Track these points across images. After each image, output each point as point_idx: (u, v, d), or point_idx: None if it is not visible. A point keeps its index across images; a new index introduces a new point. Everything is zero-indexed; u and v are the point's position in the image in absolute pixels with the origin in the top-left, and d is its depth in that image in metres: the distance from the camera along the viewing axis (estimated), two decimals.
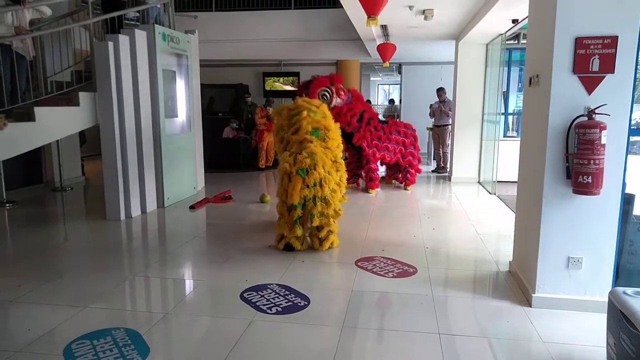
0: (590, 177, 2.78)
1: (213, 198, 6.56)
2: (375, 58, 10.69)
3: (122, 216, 5.53)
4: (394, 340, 2.70)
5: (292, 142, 4.31)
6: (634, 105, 2.86)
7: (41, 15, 5.66)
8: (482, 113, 8.01)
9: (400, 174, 7.69)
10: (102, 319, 2.93)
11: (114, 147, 5.41)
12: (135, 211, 5.69)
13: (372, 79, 20.02)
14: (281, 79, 12.22)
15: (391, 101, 15.59)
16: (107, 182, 5.49)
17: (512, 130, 9.38)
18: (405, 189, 7.54)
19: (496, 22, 6.34)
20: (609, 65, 2.82)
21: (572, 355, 2.55)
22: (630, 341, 1.99)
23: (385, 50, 8.53)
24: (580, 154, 2.80)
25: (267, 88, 12.09)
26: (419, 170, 7.76)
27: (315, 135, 4.28)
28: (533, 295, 3.09)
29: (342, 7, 6.81)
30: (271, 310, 3.04)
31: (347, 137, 6.66)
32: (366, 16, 5.01)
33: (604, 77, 2.85)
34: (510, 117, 9.28)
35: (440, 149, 9.37)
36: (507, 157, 6.85)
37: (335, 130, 4.46)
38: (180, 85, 6.76)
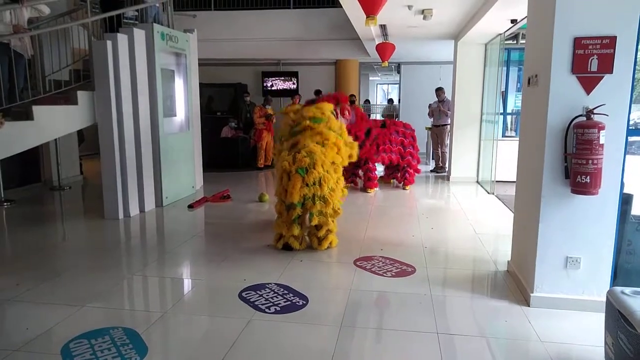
0: (588, 177, 2.78)
1: (211, 197, 6.56)
2: (374, 58, 10.70)
3: (121, 215, 5.52)
4: (393, 340, 2.70)
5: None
6: (633, 105, 2.87)
7: (39, 14, 5.65)
8: (480, 113, 8.02)
9: (399, 173, 7.70)
10: (100, 318, 2.93)
11: (112, 146, 5.40)
12: (134, 210, 5.68)
13: (371, 78, 20.04)
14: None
15: (390, 101, 15.60)
16: (106, 181, 5.48)
17: (511, 130, 9.39)
18: (404, 188, 7.54)
19: (495, 22, 6.34)
20: (607, 65, 2.82)
21: (570, 354, 2.56)
22: (629, 340, 1.99)
23: (384, 49, 8.53)
24: (579, 154, 2.80)
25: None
26: (417, 171, 7.75)
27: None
28: (531, 294, 3.10)
29: (341, 6, 6.81)
30: (270, 310, 3.03)
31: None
32: (365, 16, 5.01)
33: (603, 77, 2.85)
34: (508, 117, 9.29)
35: (439, 149, 9.37)
36: (506, 157, 6.86)
37: (336, 140, 4.48)
38: (178, 84, 6.75)
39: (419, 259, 4.06)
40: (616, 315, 2.11)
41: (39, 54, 5.87)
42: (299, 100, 10.15)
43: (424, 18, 6.61)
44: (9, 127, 4.64)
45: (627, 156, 2.91)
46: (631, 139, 2.99)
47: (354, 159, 4.79)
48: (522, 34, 7.66)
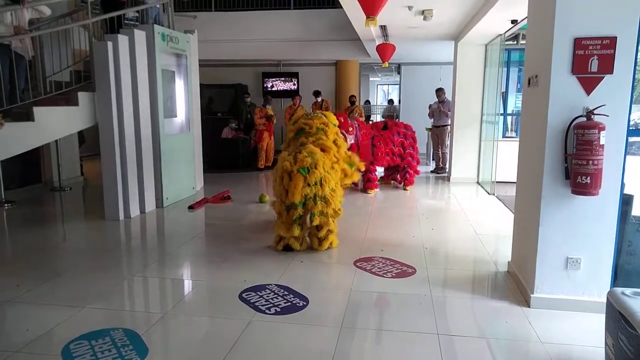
0: (589, 178, 2.78)
1: (212, 198, 6.56)
2: (374, 58, 10.70)
3: (121, 216, 5.53)
4: (393, 341, 2.70)
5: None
6: (633, 105, 2.86)
7: (40, 15, 5.65)
8: (481, 113, 8.01)
9: (399, 174, 7.71)
10: (100, 319, 2.93)
11: (112, 147, 5.40)
12: (134, 211, 5.68)
13: (371, 79, 20.06)
14: None
15: (390, 101, 15.60)
16: (106, 182, 5.49)
17: (511, 130, 9.38)
18: (404, 189, 7.55)
19: (495, 23, 6.34)
20: (607, 65, 2.82)
21: (571, 355, 2.56)
22: (629, 342, 1.99)
23: (385, 50, 8.53)
24: (579, 155, 2.80)
25: None
26: (417, 172, 7.77)
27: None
28: (532, 295, 3.10)
29: (341, 7, 6.81)
30: (270, 311, 3.03)
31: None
32: (365, 16, 5.01)
33: (603, 77, 2.85)
34: (509, 118, 9.28)
35: (440, 150, 9.37)
36: (506, 158, 6.85)
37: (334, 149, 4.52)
38: (179, 85, 6.75)
39: (419, 259, 4.06)
40: (616, 316, 2.11)
41: (40, 55, 5.88)
42: (300, 101, 10.16)
43: (424, 19, 6.61)
44: (9, 127, 4.64)
45: (627, 157, 2.91)
46: (631, 139, 2.99)
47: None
48: (523, 34, 7.65)
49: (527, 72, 3.52)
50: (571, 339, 2.70)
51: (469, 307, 3.23)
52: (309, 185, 3.99)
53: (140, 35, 5.69)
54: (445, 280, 3.67)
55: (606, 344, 2.26)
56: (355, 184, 7.57)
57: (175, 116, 6.69)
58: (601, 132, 2.74)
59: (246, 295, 3.28)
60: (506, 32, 6.83)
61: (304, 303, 3.16)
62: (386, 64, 9.36)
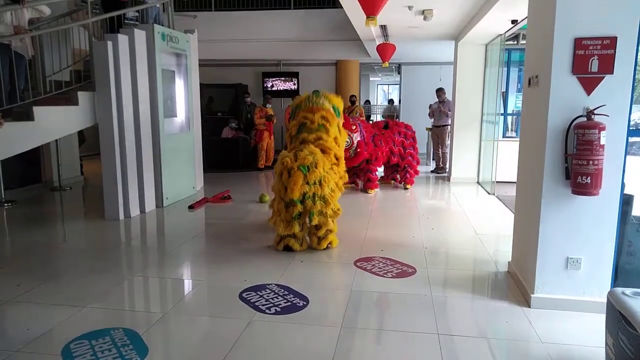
0: (589, 178, 2.78)
1: (212, 198, 6.56)
2: (374, 58, 10.70)
3: (121, 216, 5.53)
4: (393, 341, 2.70)
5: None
6: (633, 106, 2.86)
7: (40, 15, 5.65)
8: (481, 113, 8.01)
9: (399, 174, 7.73)
10: (100, 319, 2.93)
11: (112, 146, 5.40)
12: (134, 211, 5.68)
13: (371, 79, 20.06)
14: None
15: (390, 101, 15.61)
16: (106, 182, 5.49)
17: (511, 130, 9.38)
18: (405, 188, 7.57)
19: (495, 23, 6.34)
20: (608, 66, 2.82)
21: (571, 355, 2.55)
22: (629, 342, 1.99)
23: (385, 50, 8.53)
24: (579, 155, 2.80)
25: None
26: (417, 172, 7.78)
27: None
28: (532, 295, 3.09)
29: (341, 7, 6.82)
30: (270, 311, 3.03)
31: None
32: (365, 16, 5.01)
33: (603, 77, 2.85)
34: (509, 118, 9.28)
35: (440, 149, 9.37)
36: (506, 158, 6.84)
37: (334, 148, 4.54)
38: (179, 84, 6.75)
39: (419, 259, 4.06)
40: (617, 316, 2.11)
41: (40, 54, 5.88)
42: None
43: (425, 19, 6.61)
44: (9, 127, 4.64)
45: (627, 157, 2.91)
46: (632, 139, 2.99)
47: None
48: (523, 34, 7.65)
49: (527, 72, 3.52)
50: (571, 339, 2.70)
51: (469, 307, 3.23)
52: (308, 183, 3.99)
53: (140, 34, 5.69)
54: (446, 280, 3.67)
55: (606, 344, 2.26)
56: (355, 183, 7.59)
57: (175, 116, 6.69)
58: (601, 132, 2.74)
59: (246, 295, 3.28)
60: (506, 32, 6.83)
61: (304, 303, 3.16)
62: (386, 64, 9.36)
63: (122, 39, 5.45)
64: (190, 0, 10.65)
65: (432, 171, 9.54)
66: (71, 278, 3.68)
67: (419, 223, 5.37)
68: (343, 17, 8.28)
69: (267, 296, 3.26)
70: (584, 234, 2.98)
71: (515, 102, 9.54)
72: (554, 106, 2.92)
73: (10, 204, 6.32)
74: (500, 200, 6.64)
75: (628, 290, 2.18)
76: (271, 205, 4.32)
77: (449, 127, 8.97)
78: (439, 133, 9.30)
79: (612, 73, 2.83)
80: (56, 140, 6.92)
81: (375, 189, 7.32)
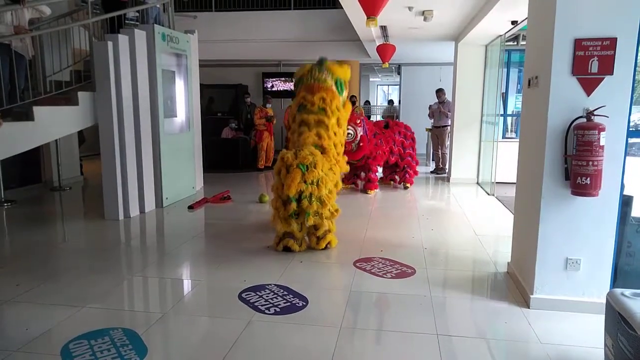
0: (588, 179, 2.78)
1: (212, 198, 6.56)
2: (374, 59, 10.70)
3: (121, 216, 5.53)
4: (392, 341, 2.70)
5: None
6: (633, 106, 2.87)
7: (40, 15, 5.65)
8: (481, 114, 8.02)
9: (398, 174, 7.75)
10: (100, 319, 2.93)
11: (112, 146, 5.40)
12: (134, 211, 5.68)
13: (371, 79, 20.07)
14: None
15: (390, 102, 15.61)
16: (106, 182, 5.49)
17: (511, 131, 9.39)
18: (405, 187, 7.60)
19: (495, 24, 6.34)
20: (608, 66, 2.82)
21: (570, 356, 2.55)
22: (628, 343, 1.99)
23: (385, 51, 8.53)
24: (579, 156, 2.80)
25: None
26: (416, 172, 7.80)
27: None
28: (531, 296, 3.09)
29: (341, 7, 6.82)
30: (269, 311, 3.03)
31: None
32: (366, 17, 5.01)
33: (603, 78, 2.85)
34: (509, 119, 9.29)
35: (439, 150, 9.38)
36: (506, 158, 6.85)
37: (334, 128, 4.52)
38: (179, 85, 6.75)
39: (419, 260, 4.06)
40: (616, 317, 2.11)
41: (40, 54, 5.88)
42: None
43: (425, 19, 6.61)
44: (9, 127, 4.64)
45: (627, 158, 2.91)
46: (631, 140, 2.99)
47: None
48: (523, 35, 7.66)
49: (527, 73, 3.52)
50: (571, 340, 2.70)
51: (469, 307, 3.23)
52: (305, 182, 3.99)
53: (140, 35, 5.70)
54: (445, 280, 3.67)
55: (605, 345, 2.26)
56: (355, 184, 7.59)
57: (175, 116, 6.69)
58: (601, 133, 2.74)
59: (246, 295, 3.28)
60: (506, 32, 6.83)
61: (304, 303, 3.16)
62: (386, 65, 9.37)
63: (123, 39, 5.45)
64: (191, 0, 10.65)
65: (431, 172, 9.54)
66: (70, 278, 3.68)
67: (418, 224, 5.37)
68: (343, 18, 8.28)
69: (267, 296, 3.26)
70: (583, 235, 2.98)
71: (515, 102, 9.56)
72: (553, 107, 2.92)
73: (10, 203, 6.32)
74: (499, 201, 6.64)
75: (627, 291, 2.18)
76: (272, 204, 4.32)
77: (448, 127, 8.97)
78: (439, 134, 9.30)
79: (612, 74, 2.83)
80: (56, 140, 6.93)
81: (375, 190, 7.33)
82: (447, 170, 8.92)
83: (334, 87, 4.57)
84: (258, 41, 10.40)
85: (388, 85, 23.08)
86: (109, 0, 5.99)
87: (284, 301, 3.18)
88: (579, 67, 2.86)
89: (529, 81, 3.39)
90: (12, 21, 5.06)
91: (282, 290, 3.36)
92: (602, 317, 2.32)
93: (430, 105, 9.67)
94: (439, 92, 9.22)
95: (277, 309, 3.06)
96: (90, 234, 5.12)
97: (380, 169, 7.76)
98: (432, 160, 9.84)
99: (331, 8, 10.13)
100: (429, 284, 3.52)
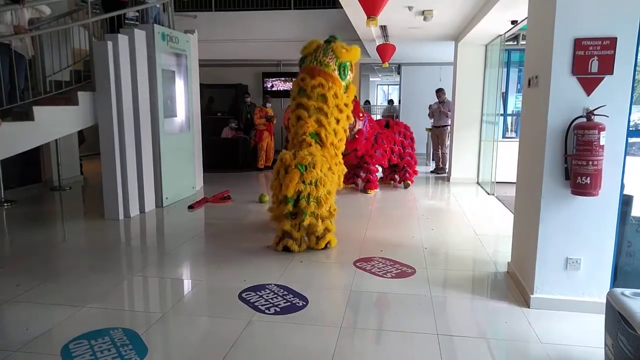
0: (588, 178, 2.78)
1: (212, 198, 6.56)
2: (374, 59, 10.69)
3: (121, 216, 5.53)
4: (392, 341, 2.70)
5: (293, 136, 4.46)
6: (633, 106, 2.87)
7: (40, 15, 5.65)
8: (481, 114, 8.02)
9: (398, 174, 7.77)
10: (100, 319, 2.93)
11: (112, 146, 5.40)
12: (134, 211, 5.68)
13: (371, 79, 20.06)
14: None
15: (390, 102, 15.60)
16: (106, 182, 5.49)
17: (511, 131, 9.39)
18: (405, 186, 7.63)
19: (495, 23, 6.34)
20: (608, 66, 2.82)
21: (570, 356, 2.56)
22: (628, 342, 1.99)
23: (385, 50, 8.53)
24: (579, 155, 2.80)
25: None
26: (415, 172, 7.82)
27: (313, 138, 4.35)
28: (531, 296, 3.10)
29: (341, 7, 6.81)
30: (269, 311, 3.03)
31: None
32: (366, 17, 5.01)
33: (603, 78, 2.85)
34: (509, 118, 9.29)
35: (439, 150, 9.38)
36: (506, 158, 6.86)
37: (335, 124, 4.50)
38: (179, 85, 6.75)
39: (419, 260, 4.06)
40: (616, 317, 2.11)
41: (40, 54, 5.88)
42: None
43: (425, 19, 6.61)
44: (9, 127, 4.64)
45: (627, 157, 2.91)
46: (631, 140, 2.99)
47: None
48: (523, 35, 7.65)
49: (527, 73, 3.52)
50: (571, 340, 2.70)
51: (469, 307, 3.23)
52: (303, 182, 3.98)
53: (140, 34, 5.69)
54: (445, 280, 3.67)
55: (606, 344, 2.26)
56: (355, 184, 7.59)
57: (175, 116, 6.69)
58: (601, 132, 2.75)
59: (246, 295, 3.28)
60: (506, 32, 6.83)
61: (304, 303, 3.16)
62: (386, 64, 9.36)
63: (122, 39, 5.45)
64: (191, 0, 10.64)
65: (431, 171, 9.54)
66: (71, 278, 3.68)
67: (418, 223, 5.37)
68: (343, 18, 8.27)
69: (267, 296, 3.26)
70: (583, 235, 2.98)
71: (515, 102, 9.55)
72: (553, 107, 2.92)
73: (10, 203, 6.32)
74: (499, 200, 6.64)
75: (627, 291, 2.18)
76: (270, 203, 4.33)
77: (448, 127, 8.97)
78: (439, 133, 9.30)
79: (612, 73, 2.83)
80: (56, 140, 6.92)
81: (375, 190, 7.33)
82: (447, 170, 8.93)
83: (335, 73, 4.48)
84: (258, 41, 10.39)
85: (388, 85, 23.07)
86: (108, 0, 5.99)
87: (284, 301, 3.18)
88: (579, 66, 2.86)
89: (529, 81, 3.39)
90: (12, 21, 5.06)
91: (282, 290, 3.36)
92: (602, 317, 2.32)
93: (430, 105, 9.67)
94: (439, 91, 9.22)
95: (277, 309, 3.06)
96: (90, 233, 5.12)
97: (380, 169, 7.76)
98: (432, 160, 9.84)
99: (331, 8, 10.12)
100: (429, 283, 3.52)
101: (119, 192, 5.50)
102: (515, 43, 8.28)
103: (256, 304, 3.13)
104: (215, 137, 10.02)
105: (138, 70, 5.64)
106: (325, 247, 4.30)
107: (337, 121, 4.53)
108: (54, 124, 5.22)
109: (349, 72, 4.67)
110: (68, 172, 7.90)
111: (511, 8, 5.44)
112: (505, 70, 7.90)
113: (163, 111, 6.09)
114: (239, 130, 10.42)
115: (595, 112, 2.81)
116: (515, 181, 3.76)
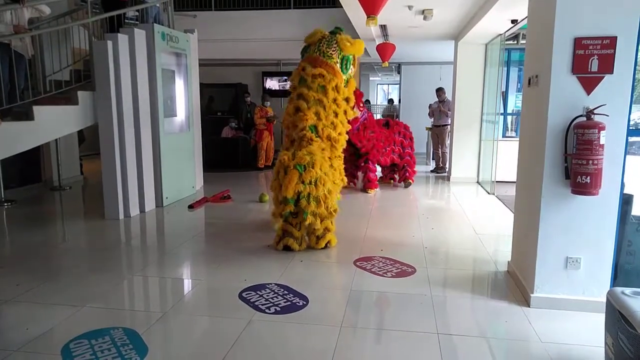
0: (588, 178, 2.78)
1: (212, 197, 6.56)
2: (374, 58, 10.68)
3: (121, 215, 5.53)
4: (393, 340, 2.70)
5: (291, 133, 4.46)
6: (633, 105, 2.86)
7: (40, 14, 5.65)
8: (481, 113, 8.02)
9: (397, 173, 7.77)
10: (100, 319, 2.93)
11: (112, 146, 5.40)
12: (134, 210, 5.68)
13: (371, 78, 20.03)
14: None
15: (390, 101, 15.59)
16: (106, 181, 5.49)
17: (511, 130, 9.39)
18: (405, 186, 7.64)
19: (495, 23, 6.34)
20: (608, 65, 2.82)
21: (570, 355, 2.56)
22: (629, 341, 1.99)
23: (385, 50, 8.53)
24: (579, 154, 2.80)
25: None
26: (415, 171, 7.83)
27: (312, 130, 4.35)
28: (531, 295, 3.10)
29: (341, 6, 6.81)
30: (270, 310, 3.03)
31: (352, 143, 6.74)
32: (366, 16, 5.01)
33: (603, 77, 2.85)
34: (509, 117, 9.28)
35: (439, 149, 9.38)
36: (506, 157, 6.86)
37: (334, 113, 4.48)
38: (179, 84, 6.75)
39: (419, 259, 4.06)
40: (616, 316, 2.11)
41: (40, 54, 5.88)
42: None
43: (425, 18, 6.61)
44: (9, 127, 4.64)
45: (627, 156, 2.91)
46: (631, 139, 2.99)
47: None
48: (523, 34, 7.65)
49: (527, 72, 3.52)
50: (571, 339, 2.70)
51: (469, 306, 3.23)
52: (303, 182, 3.98)
53: (140, 34, 5.69)
54: (445, 279, 3.67)
55: (606, 343, 2.26)
56: (354, 183, 7.59)
57: (175, 115, 6.69)
58: (601, 131, 2.74)
59: (246, 294, 3.28)
60: (506, 31, 6.83)
61: (304, 302, 3.16)
62: (386, 64, 9.36)
63: (122, 38, 5.45)
64: (190, 0, 10.64)
65: (431, 171, 9.54)
66: (71, 278, 3.68)
67: (418, 223, 5.37)
68: (343, 17, 8.27)
69: (267, 296, 3.26)
70: (583, 234, 2.98)
71: (515, 101, 9.56)
72: (553, 106, 2.92)
73: (10, 203, 6.32)
74: (500, 199, 6.64)
75: (627, 290, 2.18)
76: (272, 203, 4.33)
77: (448, 126, 8.97)
78: (439, 133, 9.30)
79: (612, 73, 2.83)
80: (56, 139, 6.92)
81: (375, 189, 7.33)
82: (447, 169, 8.93)
83: (337, 66, 4.47)
84: (258, 40, 10.39)
85: (388, 84, 23.05)
86: None
87: (285, 300, 3.19)
88: (579, 65, 2.85)
89: (529, 80, 3.39)
90: (12, 20, 5.06)
91: (282, 290, 3.36)
92: (603, 316, 2.32)
93: (430, 104, 9.67)
94: (439, 91, 9.22)
95: (278, 308, 3.06)
96: (90, 233, 5.12)
97: (379, 169, 7.77)
98: (432, 159, 9.84)
99: (331, 7, 10.11)
100: (430, 283, 3.52)
101: (119, 191, 5.50)
102: (515, 42, 8.28)
103: (256, 303, 3.13)
104: (215, 136, 10.02)
105: (138, 70, 5.64)
106: (326, 246, 4.30)
107: (336, 115, 4.48)
108: (53, 123, 5.22)
109: (351, 67, 4.64)
110: (68, 171, 7.90)
111: (511, 7, 5.44)
112: (505, 69, 7.90)
113: (163, 111, 6.08)
114: (239, 130, 10.42)
115: (595, 111, 2.81)
116: (515, 180, 3.76)
